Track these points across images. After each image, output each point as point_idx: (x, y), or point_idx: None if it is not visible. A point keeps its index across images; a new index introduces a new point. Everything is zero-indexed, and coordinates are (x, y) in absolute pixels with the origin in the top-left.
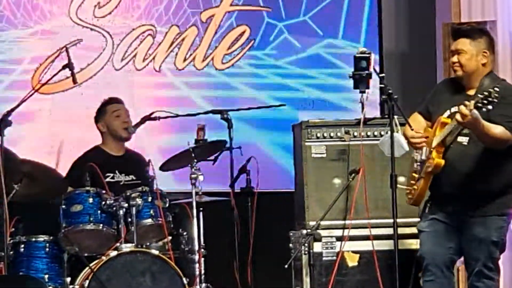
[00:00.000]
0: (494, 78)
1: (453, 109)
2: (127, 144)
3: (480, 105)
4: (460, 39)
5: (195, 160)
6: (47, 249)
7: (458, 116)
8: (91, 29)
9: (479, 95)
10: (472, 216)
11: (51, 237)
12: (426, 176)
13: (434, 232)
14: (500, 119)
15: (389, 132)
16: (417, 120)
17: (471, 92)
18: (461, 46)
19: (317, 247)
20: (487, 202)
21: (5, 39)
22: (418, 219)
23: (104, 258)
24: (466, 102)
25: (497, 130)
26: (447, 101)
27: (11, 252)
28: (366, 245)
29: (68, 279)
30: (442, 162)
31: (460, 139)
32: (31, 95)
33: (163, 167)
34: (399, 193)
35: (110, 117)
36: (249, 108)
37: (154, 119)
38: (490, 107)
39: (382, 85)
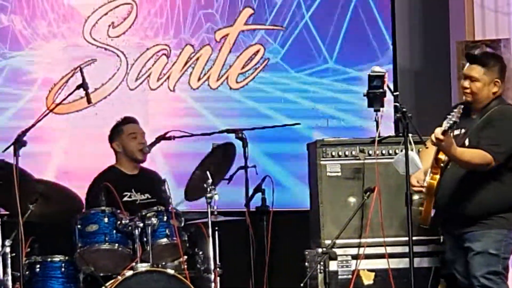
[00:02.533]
0: (500, 102)
1: (456, 132)
2: (143, 164)
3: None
4: (475, 65)
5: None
6: (63, 269)
7: (433, 137)
8: (105, 49)
9: (450, 117)
10: (469, 232)
11: (67, 257)
12: (428, 198)
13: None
14: (484, 142)
15: (403, 151)
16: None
17: (475, 115)
18: (475, 74)
19: (333, 265)
20: (482, 220)
21: (20, 59)
22: (433, 237)
23: (119, 277)
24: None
25: (467, 156)
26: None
27: (27, 272)
28: (381, 263)
29: None
30: (434, 183)
31: None
32: (45, 115)
33: (187, 197)
34: (414, 211)
35: (127, 138)
36: (264, 127)
37: (169, 138)
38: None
39: (397, 104)
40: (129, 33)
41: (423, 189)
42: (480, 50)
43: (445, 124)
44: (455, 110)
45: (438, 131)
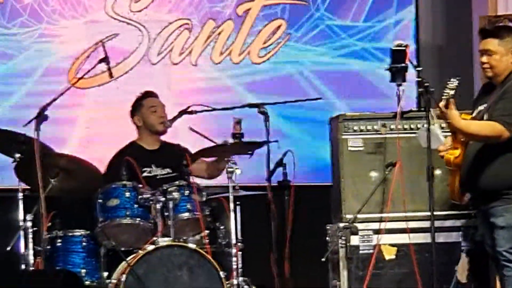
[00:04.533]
0: None
1: (480, 108)
2: (163, 137)
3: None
4: (488, 39)
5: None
6: (84, 244)
7: (437, 111)
8: (127, 24)
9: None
10: (492, 207)
11: (88, 232)
12: (451, 172)
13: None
14: (497, 113)
15: (425, 125)
16: None
17: (498, 90)
18: (490, 47)
19: (354, 240)
20: (504, 195)
21: (41, 33)
22: (455, 212)
23: (141, 252)
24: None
25: (474, 128)
26: (480, 101)
27: (48, 247)
28: (403, 238)
29: (105, 274)
30: (450, 157)
31: None
32: (67, 90)
33: (195, 156)
34: (436, 186)
35: (147, 112)
36: (285, 102)
37: (191, 113)
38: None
39: (419, 79)
40: (151, 7)
41: (445, 164)
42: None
43: (442, 102)
44: (449, 82)
45: (441, 105)
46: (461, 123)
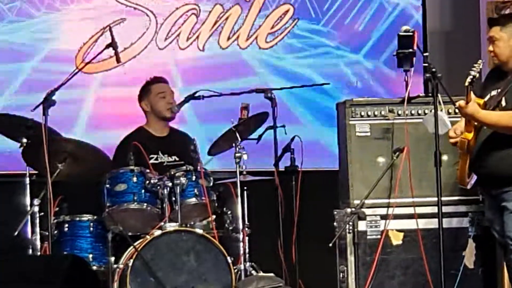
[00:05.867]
0: None
1: (493, 93)
2: (172, 124)
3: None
4: (493, 27)
5: (239, 139)
6: (91, 229)
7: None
8: (135, 8)
9: (471, 71)
10: (505, 192)
11: (95, 217)
12: (462, 156)
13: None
14: None
15: (433, 110)
16: None
17: (509, 76)
18: (494, 34)
19: (362, 225)
20: None
21: (49, 18)
22: (463, 198)
23: (148, 237)
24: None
25: (494, 118)
26: (491, 85)
27: (55, 232)
28: (410, 224)
29: (112, 259)
30: (464, 141)
31: None
32: (74, 74)
33: (211, 151)
34: (443, 171)
35: (155, 98)
36: (292, 87)
37: (198, 98)
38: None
39: (426, 64)
40: None
41: (458, 146)
42: (510, 11)
43: (468, 80)
44: (475, 64)
45: (461, 103)
46: (481, 114)
